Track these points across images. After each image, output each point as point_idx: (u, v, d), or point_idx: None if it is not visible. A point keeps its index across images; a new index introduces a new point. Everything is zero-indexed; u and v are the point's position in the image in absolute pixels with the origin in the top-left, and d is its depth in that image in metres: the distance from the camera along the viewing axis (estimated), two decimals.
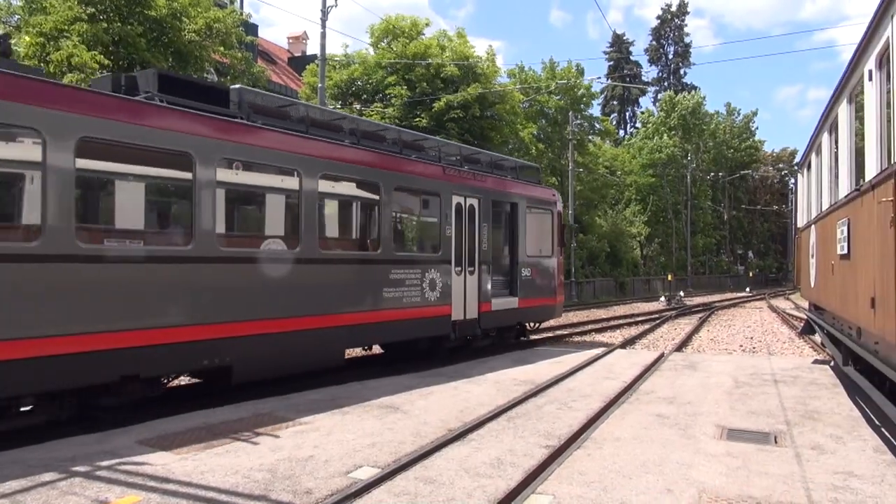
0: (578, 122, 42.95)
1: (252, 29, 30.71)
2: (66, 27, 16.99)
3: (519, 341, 15.60)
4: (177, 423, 7.17)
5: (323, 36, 21.30)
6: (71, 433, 6.77)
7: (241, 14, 24.03)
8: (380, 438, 6.69)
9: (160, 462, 5.80)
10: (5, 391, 6.45)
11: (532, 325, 16.69)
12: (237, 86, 9.93)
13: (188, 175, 8.13)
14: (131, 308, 7.42)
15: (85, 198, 7.75)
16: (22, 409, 6.94)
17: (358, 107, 29.51)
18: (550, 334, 18.00)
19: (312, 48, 46.36)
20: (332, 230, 11.32)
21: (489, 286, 13.82)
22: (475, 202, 13.44)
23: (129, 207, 8.51)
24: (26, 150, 6.81)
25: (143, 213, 8.65)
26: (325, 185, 10.18)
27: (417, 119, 27.91)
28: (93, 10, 17.54)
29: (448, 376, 10.56)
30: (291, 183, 9.67)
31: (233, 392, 8.92)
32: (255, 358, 8.89)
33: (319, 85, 21.78)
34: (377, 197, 11.13)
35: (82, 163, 7.14)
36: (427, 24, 31.46)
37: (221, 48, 20.99)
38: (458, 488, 5.25)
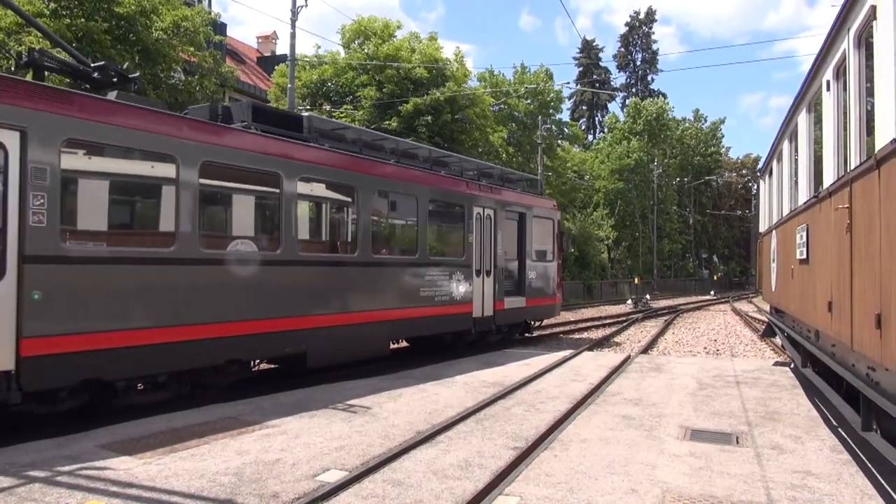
0: (547, 126, 43.35)
1: (221, 28, 30.34)
2: (25, 22, 16.59)
3: (495, 342, 16.02)
4: (140, 427, 7.05)
5: (293, 36, 21.17)
6: (30, 437, 6.60)
7: (210, 13, 23.73)
8: (348, 441, 6.67)
9: (123, 467, 5.70)
10: (152, 370, 8.09)
11: (534, 322, 18.33)
12: (307, 114, 11.65)
13: (276, 190, 9.73)
14: (237, 303, 8.97)
15: (205, 210, 9.11)
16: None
17: (328, 108, 29.34)
18: (520, 336, 18.30)
19: (282, 48, 45.98)
20: (381, 238, 12.53)
21: (503, 287, 15.59)
22: (491, 212, 15.22)
23: (235, 218, 10.27)
24: (165, 170, 8.24)
25: (245, 224, 10.36)
26: (376, 199, 11.90)
27: (387, 122, 27.87)
28: (55, 5, 17.16)
29: (417, 378, 10.56)
30: (350, 197, 11.39)
31: (200, 395, 8.80)
32: (324, 346, 10.44)
33: (289, 86, 21.62)
34: (416, 208, 12.84)
35: (203, 181, 8.62)
36: (399, 27, 31.46)
37: (189, 47, 20.71)
38: (425, 490, 5.27)
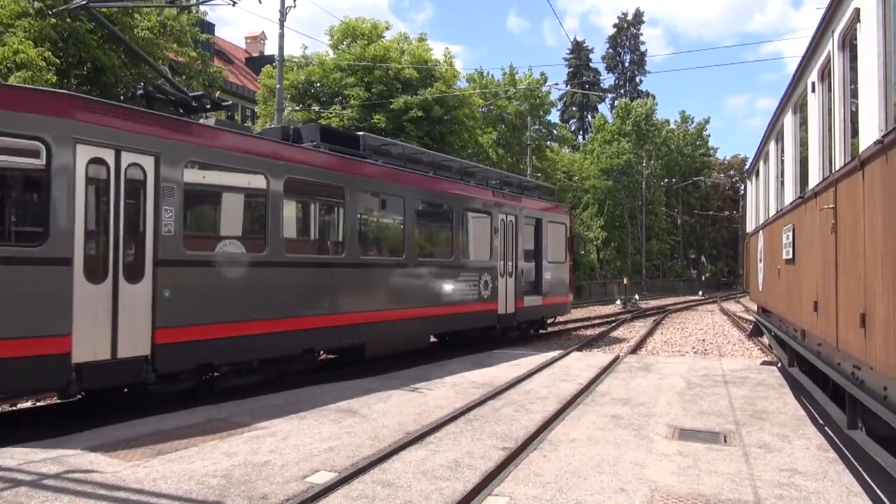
0: (537, 127, 43.45)
1: (208, 28, 30.21)
2: (11, 22, 16.44)
3: (486, 341, 16.21)
4: (127, 430, 7.01)
5: (281, 37, 21.10)
6: (18, 441, 6.54)
7: (197, 12, 23.60)
8: (337, 442, 6.65)
9: (110, 469, 5.66)
10: (249, 356, 9.54)
11: (548, 319, 19.87)
12: (361, 133, 13.33)
13: (341, 201, 11.24)
14: (311, 300, 10.49)
15: (287, 220, 10.37)
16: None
17: (316, 108, 29.26)
18: (534, 332, 19.40)
19: (270, 48, 45.85)
20: (423, 242, 13.87)
21: (522, 287, 17.12)
22: (513, 218, 16.78)
23: (309, 227, 11.68)
24: (258, 185, 9.73)
25: (318, 231, 11.87)
26: (419, 208, 13.38)
27: (376, 121, 27.82)
28: (40, 4, 17.00)
29: (407, 379, 10.55)
30: (399, 206, 12.78)
31: (188, 396, 8.75)
32: (378, 339, 11.86)
33: (278, 86, 21.55)
34: (451, 215, 14.36)
35: (287, 194, 10.10)
36: (388, 28, 31.40)
37: (175, 46, 20.57)
38: (415, 491, 5.27)
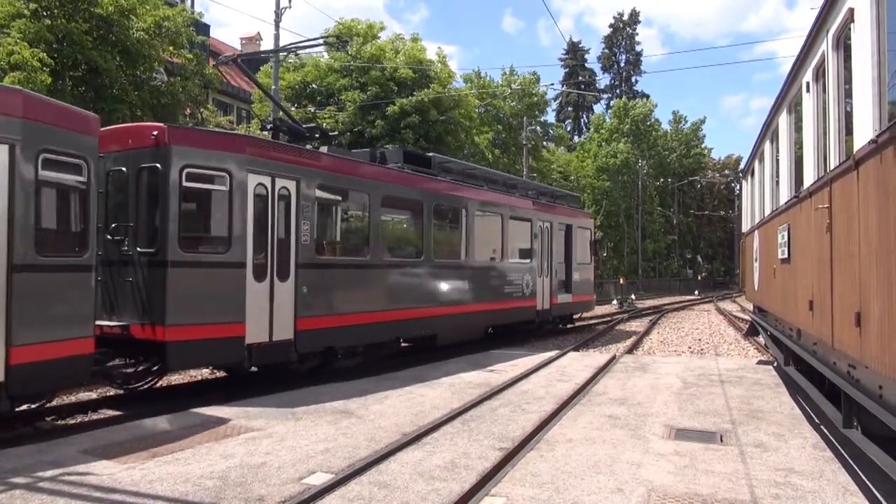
0: (533, 128, 43.47)
1: (203, 29, 30.13)
2: (5, 23, 16.38)
3: (482, 341, 16.43)
4: (122, 432, 6.99)
5: (276, 38, 21.05)
6: (14, 443, 6.52)
7: (192, 13, 23.55)
8: (334, 444, 6.64)
9: (105, 472, 5.64)
10: (357, 342, 11.67)
11: (575, 314, 22.10)
12: (431, 154, 15.90)
13: (420, 212, 13.39)
14: (399, 297, 12.62)
15: (383, 229, 12.59)
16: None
17: (312, 109, 29.22)
18: (563, 326, 21.25)
19: (266, 49, 45.74)
20: (478, 245, 15.44)
21: (555, 285, 19.28)
22: (549, 225, 19.00)
23: (399, 235, 13.75)
24: (363, 202, 11.96)
25: (403, 238, 13.72)
26: (477, 217, 15.31)
27: (372, 123, 27.81)
28: (35, 5, 16.94)
29: (404, 380, 10.55)
30: (460, 216, 14.79)
31: (184, 398, 8.73)
32: (446, 330, 14.17)
33: (273, 87, 21.51)
34: (500, 222, 16.44)
35: (383, 209, 12.34)
36: (383, 28, 31.42)
37: (171, 48, 20.52)
38: (412, 492, 5.26)
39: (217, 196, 9.38)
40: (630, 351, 16.28)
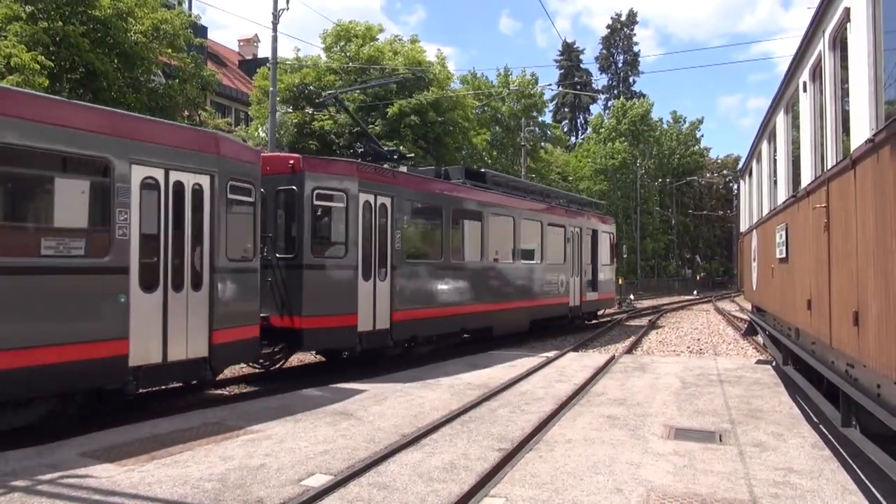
0: (531, 128, 43.47)
1: (201, 31, 30.11)
2: (2, 26, 16.37)
3: (483, 343, 16.51)
4: (121, 435, 6.98)
5: (274, 39, 21.05)
6: (11, 446, 6.50)
7: (190, 15, 23.53)
8: (333, 445, 6.64)
9: (104, 474, 5.64)
10: (431, 332, 13.77)
11: (600, 311, 24.81)
12: (484, 169, 18.84)
13: (479, 222, 15.64)
14: (465, 293, 14.89)
15: (452, 236, 14.73)
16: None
17: (310, 111, 29.21)
18: (588, 321, 23.34)
19: (264, 51, 45.72)
20: (526, 249, 17.90)
21: (585, 284, 21.77)
22: (579, 230, 21.47)
23: (464, 240, 15.37)
24: (436, 214, 14.23)
25: (468, 243, 15.49)
26: (523, 224, 17.61)
27: (371, 126, 27.80)
28: (32, 8, 16.93)
29: (402, 381, 10.55)
30: (510, 223, 17.08)
31: (183, 400, 8.73)
32: (500, 323, 16.38)
33: (271, 89, 21.51)
34: (540, 228, 18.71)
35: (453, 219, 14.62)
36: (381, 30, 31.41)
37: (169, 50, 20.51)
38: (411, 493, 5.26)
39: (337, 211, 11.61)
40: (629, 351, 16.28)
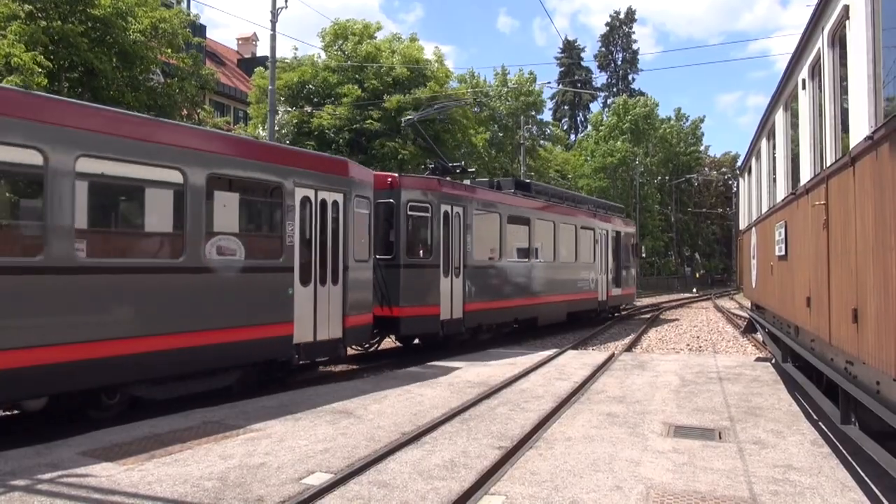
0: (529, 126, 43.46)
1: (200, 30, 30.09)
2: (1, 25, 16.34)
3: (482, 340, 16.50)
4: (121, 434, 6.98)
5: (273, 38, 21.05)
6: (10, 445, 6.50)
7: (188, 14, 23.50)
8: (333, 444, 6.65)
9: (105, 473, 5.64)
10: (497, 320, 16.32)
11: (622, 306, 27.35)
12: (529, 180, 22.00)
13: (527, 227, 18.11)
14: (516, 290, 17.28)
15: (507, 239, 16.98)
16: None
17: (309, 109, 29.19)
18: (610, 315, 25.22)
19: (263, 50, 45.69)
20: (560, 249, 20.08)
21: (610, 281, 24.23)
22: (605, 232, 24.04)
23: (516, 243, 17.72)
24: (496, 219, 16.52)
25: (521, 245, 17.98)
26: (560, 227, 20.08)
27: (369, 122, 27.78)
28: (30, 7, 16.90)
29: (402, 380, 10.55)
30: (551, 227, 19.55)
31: (183, 399, 8.74)
32: (544, 314, 18.79)
33: (270, 87, 21.51)
34: (574, 231, 21.22)
35: (508, 224, 16.92)
36: (379, 28, 31.38)
37: (168, 49, 20.48)
38: (411, 491, 5.26)
39: (424, 220, 14.00)
40: (628, 349, 16.29)
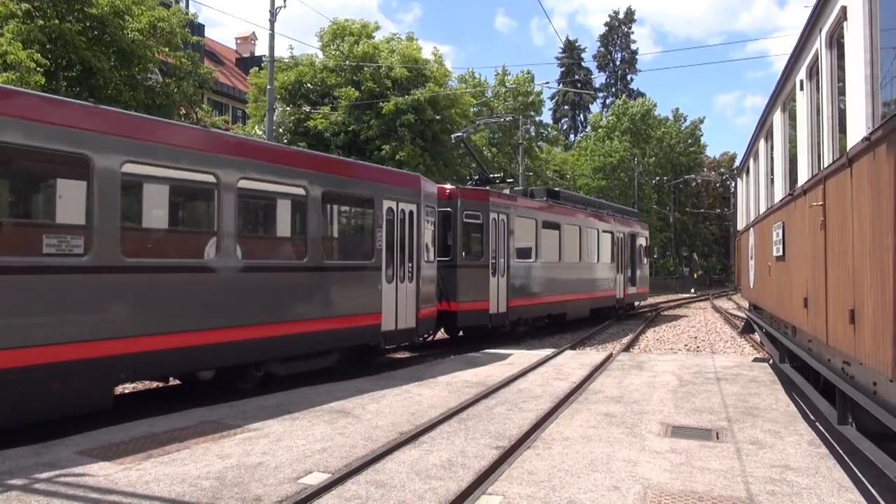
0: (526, 126, 43.45)
1: (198, 29, 30.06)
2: None
3: (480, 342, 16.71)
4: (119, 433, 6.97)
5: (271, 37, 21.04)
6: (8, 445, 6.49)
7: (187, 14, 23.47)
8: (331, 443, 6.65)
9: (102, 473, 5.63)
10: (540, 314, 19.27)
11: (637, 303, 29.81)
12: (558, 188, 25.93)
13: (557, 232, 20.35)
14: (549, 286, 19.50)
15: (541, 241, 19.29)
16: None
17: (307, 109, 29.16)
18: (624, 312, 26.97)
19: (261, 49, 45.68)
20: (587, 251, 22.62)
21: (627, 280, 26.55)
22: (623, 235, 26.34)
23: (548, 244, 19.88)
24: (532, 225, 18.94)
25: (553, 247, 20.24)
26: (586, 231, 22.53)
27: (366, 126, 27.75)
28: (28, 6, 16.87)
29: (400, 379, 10.55)
30: (577, 231, 21.89)
31: (181, 399, 8.73)
32: (571, 310, 20.99)
33: (268, 87, 21.50)
34: (597, 234, 23.58)
35: (543, 230, 19.25)
36: (377, 28, 31.37)
37: (166, 48, 20.46)
38: (409, 491, 5.27)
39: (476, 226, 16.23)
40: (626, 349, 16.30)
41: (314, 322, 10.41)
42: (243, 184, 9.16)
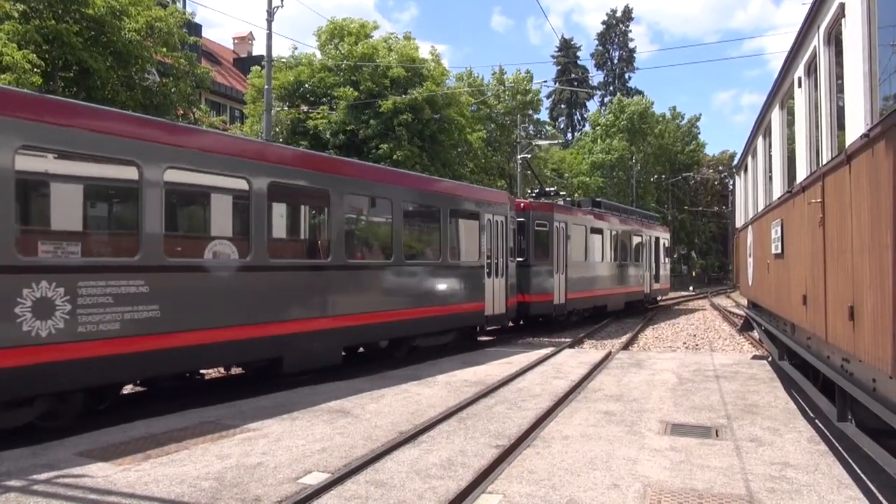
0: (525, 125, 43.42)
1: (196, 29, 30.01)
2: None
3: (477, 341, 16.67)
4: (118, 434, 6.96)
5: (269, 37, 20.99)
6: (7, 446, 6.48)
7: (184, 13, 23.43)
8: (330, 443, 6.64)
9: (101, 474, 5.62)
10: (579, 307, 21.95)
11: (659, 298, 33.54)
12: (599, 199, 28.90)
13: (600, 236, 23.83)
14: (594, 282, 23.12)
15: (590, 244, 22.97)
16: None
17: (305, 109, 29.11)
18: (649, 306, 30.85)
19: (259, 49, 45.64)
20: (623, 251, 26.29)
21: (652, 277, 30.42)
22: (648, 237, 29.96)
23: (595, 246, 23.47)
24: (584, 231, 22.63)
25: (593, 250, 23.12)
26: (622, 235, 26.16)
27: (364, 125, 27.72)
28: (24, 7, 16.82)
29: (399, 379, 10.54)
30: (612, 235, 24.93)
31: (179, 399, 8.72)
32: (610, 303, 24.48)
33: (266, 87, 21.46)
34: (629, 237, 27.16)
35: (590, 235, 23.05)
36: (375, 27, 31.32)
37: (163, 49, 20.42)
38: (408, 490, 5.26)
39: (544, 233, 19.55)
40: (625, 347, 16.30)
41: (447, 307, 13.88)
42: (409, 208, 13.21)
